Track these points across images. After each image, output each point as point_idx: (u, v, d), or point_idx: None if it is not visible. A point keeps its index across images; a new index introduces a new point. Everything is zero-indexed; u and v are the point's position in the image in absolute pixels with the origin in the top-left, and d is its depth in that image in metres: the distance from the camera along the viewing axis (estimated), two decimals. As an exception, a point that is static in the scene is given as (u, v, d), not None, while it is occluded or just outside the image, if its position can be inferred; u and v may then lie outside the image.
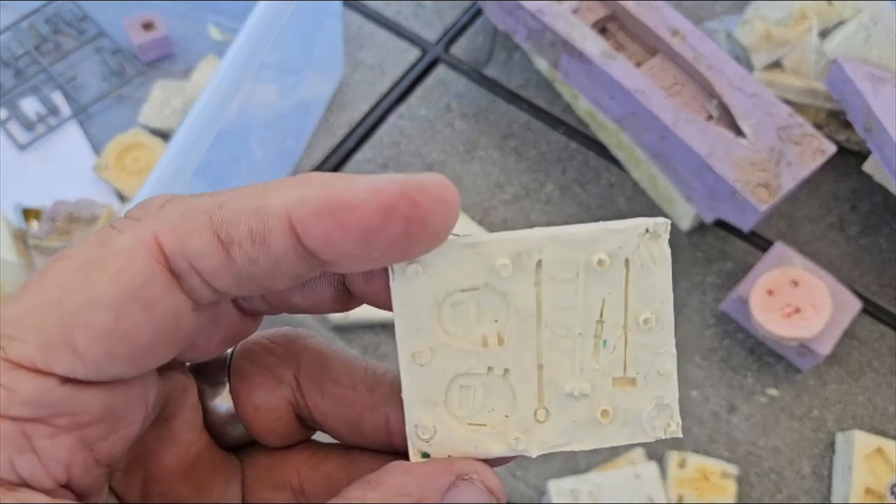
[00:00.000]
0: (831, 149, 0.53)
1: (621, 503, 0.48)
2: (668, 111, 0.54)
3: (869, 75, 0.54)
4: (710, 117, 0.55)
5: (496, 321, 0.18)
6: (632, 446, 0.52)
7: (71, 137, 0.62)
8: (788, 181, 0.52)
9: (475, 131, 0.64)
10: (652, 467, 0.49)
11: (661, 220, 0.17)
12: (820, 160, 0.53)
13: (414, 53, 0.67)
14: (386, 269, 0.17)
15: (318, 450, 0.21)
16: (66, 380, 0.15)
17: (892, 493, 0.49)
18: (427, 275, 0.17)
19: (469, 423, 0.18)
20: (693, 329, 0.57)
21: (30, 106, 0.63)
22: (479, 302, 0.17)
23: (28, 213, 0.57)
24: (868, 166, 0.59)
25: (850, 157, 0.61)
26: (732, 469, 0.51)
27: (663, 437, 0.18)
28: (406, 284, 0.17)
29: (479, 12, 0.68)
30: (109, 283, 0.15)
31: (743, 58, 0.62)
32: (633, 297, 0.18)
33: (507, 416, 0.18)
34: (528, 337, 0.18)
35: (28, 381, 0.15)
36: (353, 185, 0.16)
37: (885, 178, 0.57)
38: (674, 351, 0.18)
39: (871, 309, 0.56)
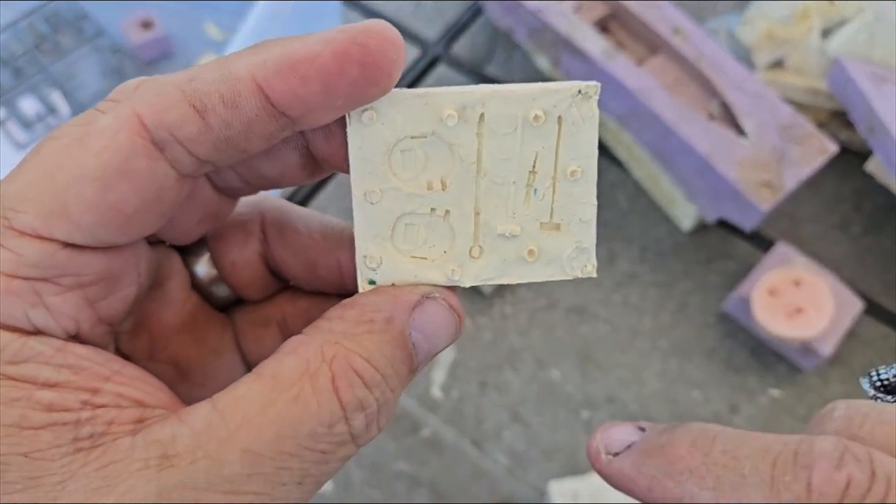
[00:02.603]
0: (833, 148, 0.53)
1: (622, 504, 0.48)
2: (669, 110, 0.53)
3: (871, 75, 0.54)
4: (711, 116, 0.55)
5: (441, 168, 0.19)
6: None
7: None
8: (790, 181, 0.52)
9: (476, 131, 0.63)
10: (653, 468, 0.49)
11: (592, 83, 0.19)
12: (822, 160, 0.52)
13: (414, 52, 0.67)
14: (344, 127, 0.19)
15: (295, 293, 0.24)
16: (66, 244, 0.18)
17: None
18: (380, 121, 0.19)
19: (412, 256, 0.20)
20: (694, 329, 0.56)
21: (29, 105, 0.63)
22: (426, 149, 0.19)
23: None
24: (870, 166, 0.59)
25: (852, 157, 0.60)
26: (734, 470, 0.51)
27: (580, 275, 0.21)
28: (361, 129, 0.19)
29: (479, 11, 0.68)
30: (95, 159, 0.17)
31: (745, 57, 0.61)
32: (563, 151, 0.19)
33: (445, 252, 0.20)
34: (469, 183, 0.20)
35: (33, 246, 0.17)
36: (306, 40, 0.17)
37: (888, 177, 0.57)
38: (594, 201, 0.20)
39: (873, 309, 0.55)
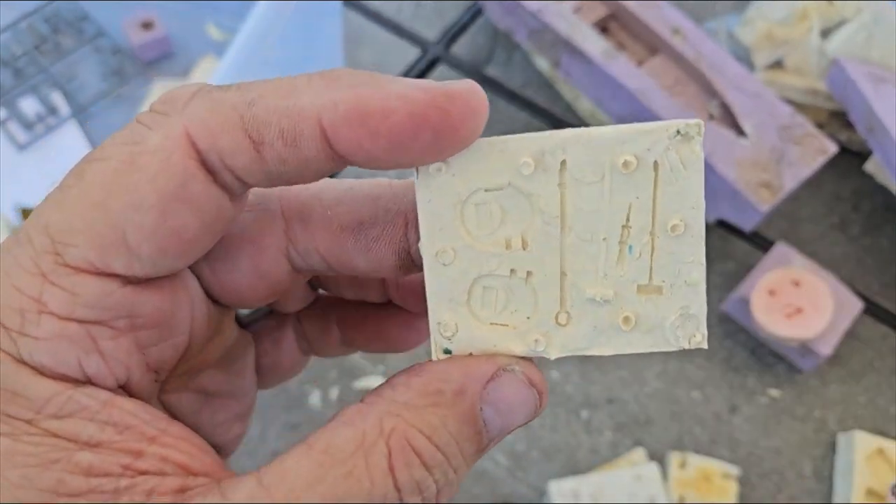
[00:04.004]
0: (833, 149, 0.53)
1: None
2: (669, 111, 0.53)
3: (870, 75, 0.54)
4: (711, 117, 0.55)
5: (520, 223, 0.17)
6: (631, 446, 0.52)
7: (70, 137, 0.62)
8: (790, 181, 0.52)
9: (475, 131, 0.63)
10: (653, 468, 0.49)
11: (693, 120, 0.17)
12: (821, 160, 0.53)
13: (414, 53, 0.67)
14: None
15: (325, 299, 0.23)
16: (126, 281, 0.17)
17: (894, 493, 0.49)
18: (450, 173, 0.17)
19: (491, 323, 0.18)
20: (694, 329, 0.56)
21: (29, 106, 0.63)
22: (502, 203, 0.17)
23: (27, 213, 0.56)
24: (869, 166, 0.59)
25: (851, 157, 0.60)
26: (734, 470, 0.51)
27: (687, 346, 0.18)
28: (430, 182, 0.17)
29: (479, 12, 0.68)
30: (151, 185, 0.16)
31: (744, 57, 0.62)
32: (662, 202, 0.17)
33: (528, 318, 0.18)
34: (552, 240, 0.17)
35: (90, 284, 0.16)
36: (384, 89, 0.16)
37: (887, 178, 0.57)
38: (703, 260, 0.17)
39: (872, 309, 0.56)
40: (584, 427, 0.53)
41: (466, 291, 0.18)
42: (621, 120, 0.57)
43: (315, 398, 0.53)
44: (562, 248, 0.17)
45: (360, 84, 0.16)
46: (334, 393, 0.53)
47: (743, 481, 0.52)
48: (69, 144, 0.62)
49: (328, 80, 0.16)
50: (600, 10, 0.58)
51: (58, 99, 0.63)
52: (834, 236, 0.60)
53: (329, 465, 0.16)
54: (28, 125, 0.62)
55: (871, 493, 0.49)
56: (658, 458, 0.52)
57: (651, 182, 0.17)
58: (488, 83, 0.65)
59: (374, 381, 0.54)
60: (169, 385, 0.20)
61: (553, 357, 0.18)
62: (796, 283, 0.52)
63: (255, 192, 0.19)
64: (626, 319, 0.18)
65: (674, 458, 0.51)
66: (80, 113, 0.63)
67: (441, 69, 0.66)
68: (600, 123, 0.62)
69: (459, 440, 0.17)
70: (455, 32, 0.68)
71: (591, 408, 0.54)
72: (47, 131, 0.62)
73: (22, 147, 0.61)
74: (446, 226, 0.17)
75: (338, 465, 0.16)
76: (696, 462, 0.51)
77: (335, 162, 0.17)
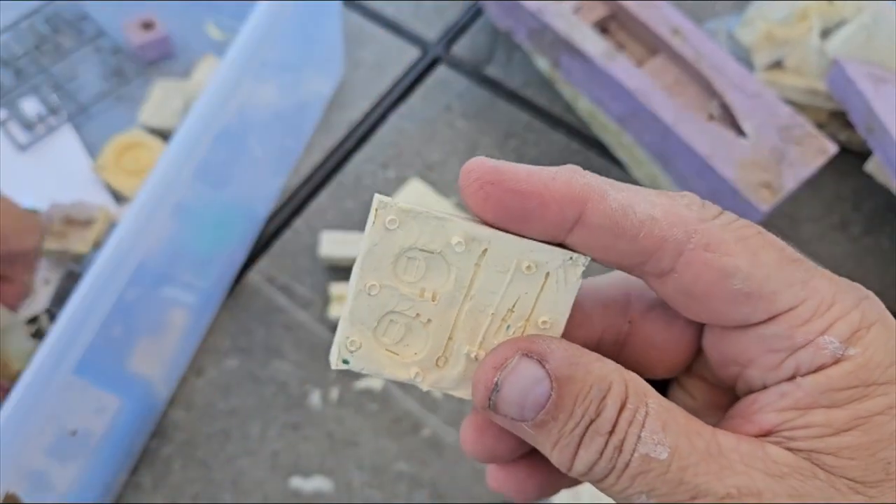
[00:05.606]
0: (833, 149, 0.53)
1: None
2: (669, 111, 0.53)
3: (870, 75, 0.54)
4: (711, 117, 0.55)
5: (436, 282, 0.22)
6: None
7: (70, 138, 0.62)
8: (790, 181, 0.52)
9: (476, 131, 0.64)
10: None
11: (584, 257, 0.22)
12: (821, 160, 0.53)
13: (414, 53, 0.67)
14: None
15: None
16: None
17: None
18: (400, 229, 0.21)
19: (387, 350, 0.23)
20: (694, 329, 0.56)
21: (30, 106, 0.63)
22: (429, 262, 0.22)
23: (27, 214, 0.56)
24: (870, 166, 0.59)
25: (851, 158, 0.60)
26: (734, 470, 0.51)
27: None
28: (382, 231, 0.21)
29: (479, 12, 0.68)
30: None
31: (744, 58, 0.62)
32: (542, 302, 0.22)
33: (416, 354, 0.23)
34: (455, 302, 0.22)
35: None
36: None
37: (887, 178, 0.57)
38: None
39: (872, 309, 0.55)
40: (585, 427, 0.53)
41: (377, 319, 0.22)
42: (621, 120, 0.57)
43: (315, 398, 0.53)
44: (460, 310, 0.22)
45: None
46: (334, 393, 0.53)
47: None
48: (70, 145, 0.62)
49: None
50: (600, 10, 0.58)
51: (58, 99, 0.63)
52: (834, 236, 0.60)
53: None
54: (29, 126, 0.62)
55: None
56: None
57: (540, 286, 0.22)
58: (488, 83, 0.65)
59: (374, 382, 0.54)
60: None
61: (424, 388, 0.23)
62: (796, 284, 0.52)
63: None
64: None
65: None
66: (81, 113, 0.63)
67: (441, 69, 0.66)
68: (600, 123, 0.62)
69: None
70: (455, 32, 0.68)
71: (591, 408, 0.54)
72: (48, 132, 0.62)
73: (22, 147, 0.61)
74: (381, 267, 0.22)
75: None
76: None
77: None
